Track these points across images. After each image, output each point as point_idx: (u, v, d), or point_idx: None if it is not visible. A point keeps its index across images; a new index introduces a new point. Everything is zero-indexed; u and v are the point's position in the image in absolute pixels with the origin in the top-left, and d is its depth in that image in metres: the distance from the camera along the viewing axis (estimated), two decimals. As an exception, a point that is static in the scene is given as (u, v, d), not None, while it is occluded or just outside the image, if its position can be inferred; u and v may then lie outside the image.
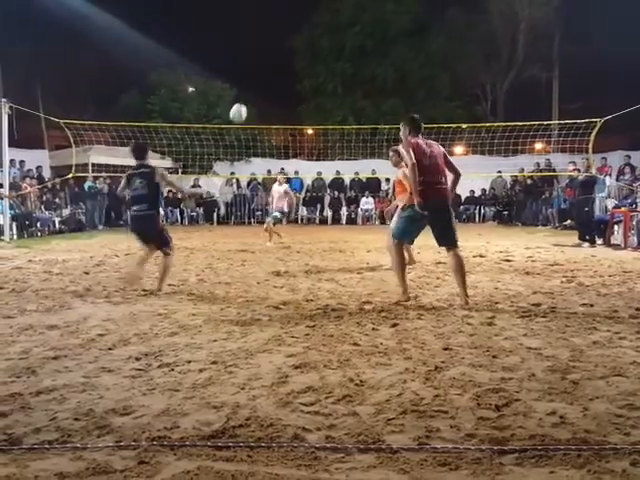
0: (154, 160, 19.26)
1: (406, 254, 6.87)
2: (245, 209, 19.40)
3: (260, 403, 2.61)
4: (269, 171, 19.78)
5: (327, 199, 19.83)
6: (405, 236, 5.14)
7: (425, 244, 10.05)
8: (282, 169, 19.81)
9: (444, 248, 4.97)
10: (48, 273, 6.87)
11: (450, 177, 4.99)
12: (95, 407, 2.56)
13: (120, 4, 22.20)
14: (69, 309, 4.77)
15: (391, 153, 6.95)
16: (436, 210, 4.76)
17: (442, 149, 5.01)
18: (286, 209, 11.78)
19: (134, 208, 5.83)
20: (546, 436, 2.25)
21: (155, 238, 5.76)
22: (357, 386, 2.82)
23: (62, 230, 14.93)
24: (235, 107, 9.70)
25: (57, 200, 15.93)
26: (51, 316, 4.48)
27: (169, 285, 5.90)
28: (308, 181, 19.85)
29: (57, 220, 15.19)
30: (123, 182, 5.92)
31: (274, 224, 11.13)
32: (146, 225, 5.77)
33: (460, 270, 4.84)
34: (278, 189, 11.89)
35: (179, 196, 18.42)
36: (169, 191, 19.65)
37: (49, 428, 2.35)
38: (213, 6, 27.37)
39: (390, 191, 13.02)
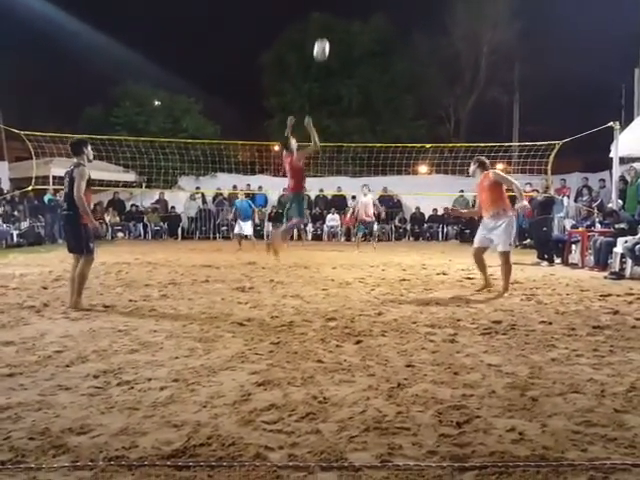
0: (117, 173, 19.06)
1: (483, 279, 6.94)
2: (210, 224, 19.22)
3: (222, 421, 2.58)
4: (235, 186, 19.69)
5: (294, 215, 19.83)
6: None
7: (390, 261, 10.24)
8: (248, 185, 19.77)
9: None
10: (4, 288, 6.64)
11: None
12: (51, 426, 2.48)
13: (88, 16, 22.03)
14: (26, 325, 4.62)
15: (473, 164, 6.81)
16: None
17: None
18: (369, 219, 13.17)
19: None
20: (506, 453, 2.28)
21: (71, 240, 5.61)
22: (320, 403, 2.82)
23: (20, 244, 14.47)
24: (318, 46, 7.89)
25: (16, 213, 15.49)
26: (7, 332, 4.33)
27: (130, 301, 5.79)
28: (274, 197, 19.80)
29: (15, 233, 14.73)
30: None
31: (363, 236, 13.15)
32: (65, 225, 5.81)
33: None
34: (363, 200, 12.96)
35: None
36: (132, 205, 19.43)
37: (2, 448, 2.27)
38: (181, 20, 27.42)
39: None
